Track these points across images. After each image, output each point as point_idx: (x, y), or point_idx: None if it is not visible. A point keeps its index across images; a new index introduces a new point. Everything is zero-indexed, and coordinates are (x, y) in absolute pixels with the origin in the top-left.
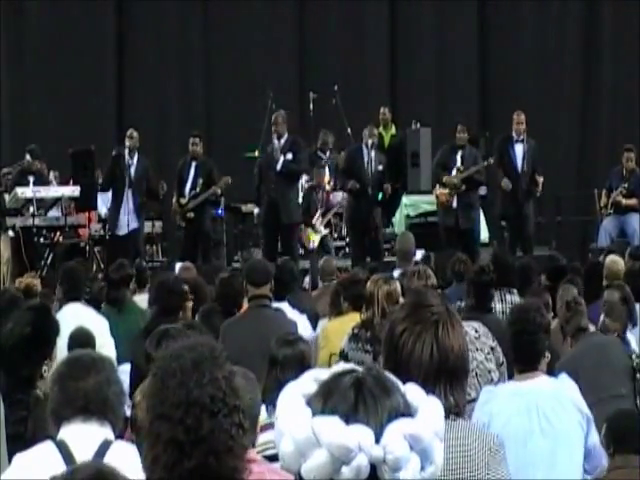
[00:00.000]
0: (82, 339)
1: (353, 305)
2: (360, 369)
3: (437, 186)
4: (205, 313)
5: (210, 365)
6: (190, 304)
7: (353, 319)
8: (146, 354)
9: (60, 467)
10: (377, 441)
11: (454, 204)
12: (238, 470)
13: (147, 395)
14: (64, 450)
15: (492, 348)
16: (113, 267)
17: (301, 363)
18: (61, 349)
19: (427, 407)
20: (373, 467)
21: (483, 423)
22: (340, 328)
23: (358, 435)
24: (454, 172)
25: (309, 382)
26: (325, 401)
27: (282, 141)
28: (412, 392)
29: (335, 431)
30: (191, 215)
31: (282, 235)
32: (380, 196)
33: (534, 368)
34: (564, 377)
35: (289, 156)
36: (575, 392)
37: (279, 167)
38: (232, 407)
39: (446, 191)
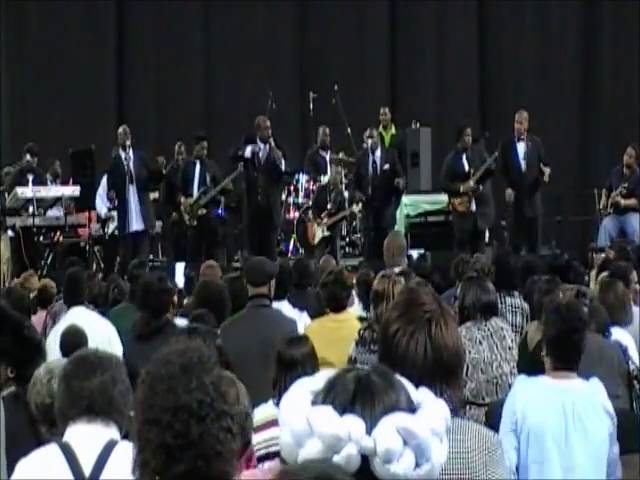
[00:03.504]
0: (74, 337)
1: (328, 306)
2: (366, 367)
3: (452, 198)
4: (196, 317)
5: (198, 370)
6: (174, 299)
7: (332, 320)
8: None
9: (64, 470)
10: (370, 433)
11: (473, 207)
12: (227, 474)
13: (136, 401)
14: (68, 452)
15: (510, 348)
16: (134, 264)
17: (316, 359)
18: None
19: (430, 407)
20: (366, 460)
21: (522, 415)
22: (318, 330)
23: (349, 425)
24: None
25: (320, 380)
26: (326, 394)
27: (267, 146)
28: (420, 393)
29: (327, 420)
30: (203, 211)
31: (267, 238)
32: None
33: (574, 368)
34: (595, 381)
35: (277, 163)
36: (606, 397)
37: (283, 168)
38: (220, 412)
39: (465, 199)
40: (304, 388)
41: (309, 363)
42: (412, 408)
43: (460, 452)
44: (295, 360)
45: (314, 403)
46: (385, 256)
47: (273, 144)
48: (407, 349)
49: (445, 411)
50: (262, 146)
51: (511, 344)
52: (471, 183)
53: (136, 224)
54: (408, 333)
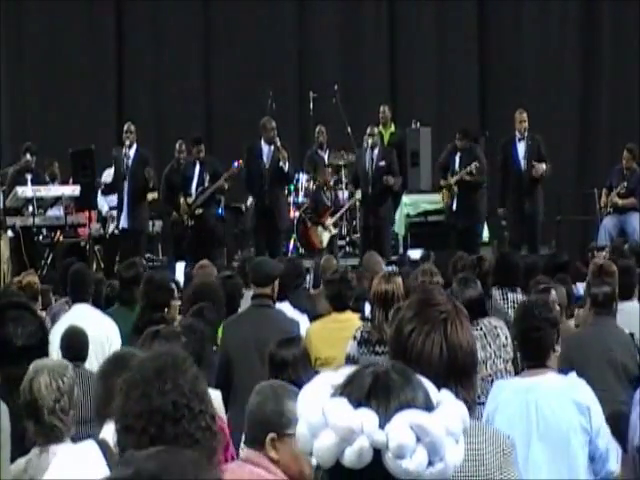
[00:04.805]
0: (75, 338)
1: (332, 305)
2: (387, 364)
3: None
4: (196, 311)
5: (173, 373)
6: (177, 303)
7: (335, 320)
8: None
9: (101, 466)
10: (383, 428)
11: (454, 206)
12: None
13: (115, 409)
14: (105, 449)
15: (504, 345)
16: (123, 266)
17: (309, 360)
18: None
19: (447, 406)
20: (379, 454)
21: (490, 419)
22: (321, 330)
23: (362, 418)
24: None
25: (341, 375)
26: (344, 388)
27: (272, 147)
28: (442, 394)
29: (341, 412)
30: (200, 211)
31: (272, 240)
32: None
33: (542, 364)
34: (573, 376)
35: (281, 164)
36: (582, 393)
37: (286, 173)
38: (197, 412)
39: (446, 193)
40: (325, 382)
41: (301, 364)
42: (430, 407)
43: (475, 452)
44: (285, 361)
45: (332, 397)
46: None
47: (279, 144)
48: (423, 349)
49: (463, 413)
50: (267, 148)
51: (505, 341)
52: (449, 181)
53: (124, 222)
54: (424, 333)
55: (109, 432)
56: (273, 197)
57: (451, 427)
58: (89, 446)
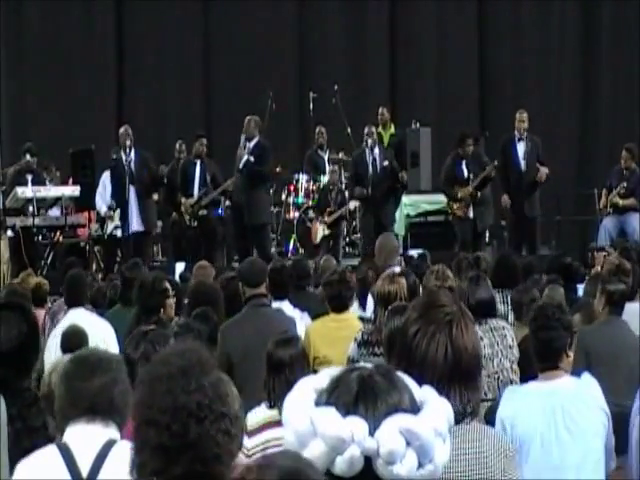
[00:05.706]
0: (74, 337)
1: (331, 305)
2: (370, 366)
3: (450, 202)
4: (198, 315)
5: (197, 372)
6: (172, 301)
7: (334, 319)
8: (125, 356)
9: (62, 471)
10: (373, 434)
11: (471, 214)
12: (224, 477)
13: (135, 401)
14: (66, 453)
15: (510, 347)
16: (127, 266)
17: (306, 360)
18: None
19: (432, 406)
20: (370, 461)
21: (510, 424)
22: (320, 329)
23: (352, 427)
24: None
25: (323, 378)
26: (330, 394)
27: (251, 144)
28: (424, 392)
29: (330, 422)
30: (204, 212)
31: (251, 236)
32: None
33: (555, 366)
34: (586, 376)
35: (251, 157)
36: (597, 391)
37: (240, 166)
38: (219, 414)
39: (462, 204)
40: (308, 386)
41: (298, 364)
42: (415, 408)
43: (477, 454)
44: (283, 361)
45: (318, 403)
46: (377, 257)
47: (255, 141)
48: (427, 350)
49: (448, 410)
50: (247, 144)
51: (512, 343)
52: (469, 189)
53: (136, 225)
54: (429, 334)
55: (71, 435)
56: (244, 192)
57: (439, 427)
58: (51, 450)
